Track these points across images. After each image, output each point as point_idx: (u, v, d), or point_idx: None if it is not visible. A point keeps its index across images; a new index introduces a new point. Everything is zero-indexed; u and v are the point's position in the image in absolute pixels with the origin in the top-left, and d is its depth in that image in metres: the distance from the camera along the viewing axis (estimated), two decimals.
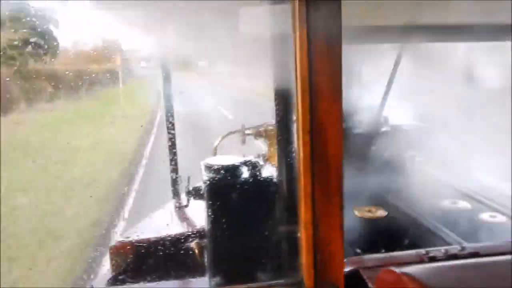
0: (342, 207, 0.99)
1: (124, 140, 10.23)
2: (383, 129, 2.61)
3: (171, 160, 2.79)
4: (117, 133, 10.36)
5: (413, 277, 0.95)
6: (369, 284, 1.16)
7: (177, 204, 2.61)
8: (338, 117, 0.95)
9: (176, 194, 2.74)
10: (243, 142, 2.67)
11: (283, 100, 1.23)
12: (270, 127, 2.54)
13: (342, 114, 0.96)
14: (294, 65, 0.94)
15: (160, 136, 9.06)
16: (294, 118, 1.23)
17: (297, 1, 0.90)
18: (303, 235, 1.01)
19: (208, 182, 1.45)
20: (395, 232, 2.00)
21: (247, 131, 2.64)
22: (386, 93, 2.59)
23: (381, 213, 2.01)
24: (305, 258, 1.02)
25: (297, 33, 0.91)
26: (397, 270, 1.00)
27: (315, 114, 0.95)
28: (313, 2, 0.90)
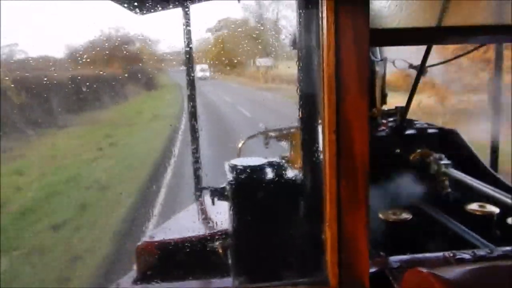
0: (368, 206, 0.99)
1: None
2: (408, 131, 2.58)
3: (194, 163, 2.82)
4: None
5: (441, 277, 0.94)
6: (395, 285, 1.15)
7: (201, 205, 2.64)
8: (365, 115, 0.95)
9: (199, 195, 2.77)
10: (266, 144, 2.68)
11: (308, 100, 1.24)
12: (293, 130, 2.55)
13: (368, 113, 0.96)
14: (321, 64, 0.95)
15: None
16: (319, 118, 1.24)
17: (326, 0, 0.91)
18: (328, 233, 1.02)
19: (233, 182, 1.46)
20: (420, 235, 1.97)
21: (270, 134, 2.66)
22: (411, 94, 2.56)
23: (406, 215, 1.98)
24: (329, 256, 1.02)
25: (325, 32, 0.92)
26: (424, 270, 0.98)
27: (342, 113, 0.95)
28: (341, 2, 0.91)
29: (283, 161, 1.65)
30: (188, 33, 2.57)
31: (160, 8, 2.40)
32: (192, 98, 2.72)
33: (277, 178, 1.46)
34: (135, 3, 2.08)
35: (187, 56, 2.71)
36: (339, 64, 0.92)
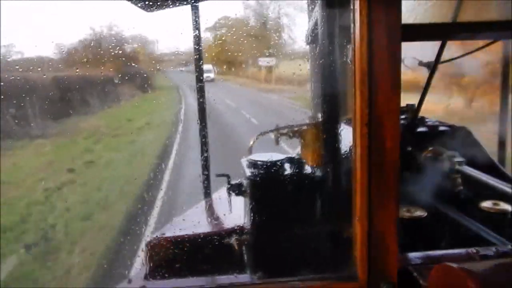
0: (398, 201, 0.98)
1: None
2: (420, 129, 2.57)
3: (203, 159, 2.81)
4: None
5: (473, 272, 0.93)
6: (420, 281, 1.14)
7: (210, 201, 2.63)
8: (396, 110, 0.94)
9: (207, 192, 2.76)
10: (277, 142, 2.67)
11: (331, 95, 1.24)
12: (304, 127, 2.53)
13: (399, 108, 0.95)
14: (353, 57, 0.94)
15: None
16: (342, 112, 1.23)
17: None
18: (358, 228, 1.01)
19: (253, 178, 1.45)
20: (434, 232, 1.96)
21: (281, 131, 2.65)
22: (424, 92, 2.55)
23: (420, 213, 1.97)
24: (359, 251, 1.01)
25: (358, 25, 0.91)
26: (454, 265, 0.97)
27: (373, 107, 0.94)
28: None
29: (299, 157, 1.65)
30: (197, 32, 2.56)
31: (169, 6, 2.38)
32: (201, 96, 2.72)
33: (299, 173, 1.46)
34: (145, 1, 2.07)
35: (196, 56, 2.70)
36: (371, 57, 0.91)
